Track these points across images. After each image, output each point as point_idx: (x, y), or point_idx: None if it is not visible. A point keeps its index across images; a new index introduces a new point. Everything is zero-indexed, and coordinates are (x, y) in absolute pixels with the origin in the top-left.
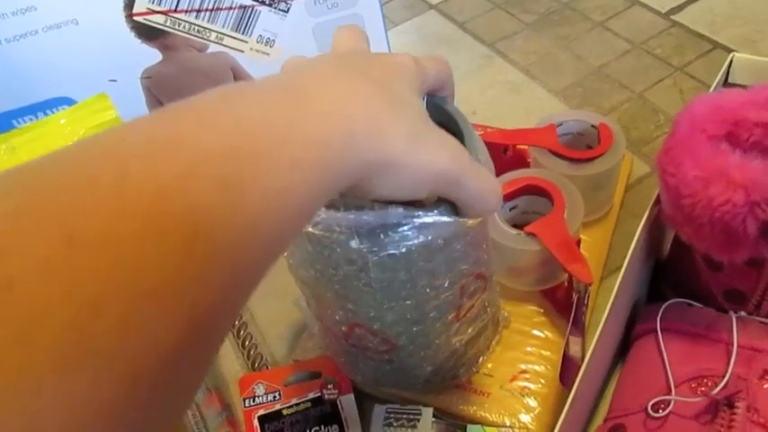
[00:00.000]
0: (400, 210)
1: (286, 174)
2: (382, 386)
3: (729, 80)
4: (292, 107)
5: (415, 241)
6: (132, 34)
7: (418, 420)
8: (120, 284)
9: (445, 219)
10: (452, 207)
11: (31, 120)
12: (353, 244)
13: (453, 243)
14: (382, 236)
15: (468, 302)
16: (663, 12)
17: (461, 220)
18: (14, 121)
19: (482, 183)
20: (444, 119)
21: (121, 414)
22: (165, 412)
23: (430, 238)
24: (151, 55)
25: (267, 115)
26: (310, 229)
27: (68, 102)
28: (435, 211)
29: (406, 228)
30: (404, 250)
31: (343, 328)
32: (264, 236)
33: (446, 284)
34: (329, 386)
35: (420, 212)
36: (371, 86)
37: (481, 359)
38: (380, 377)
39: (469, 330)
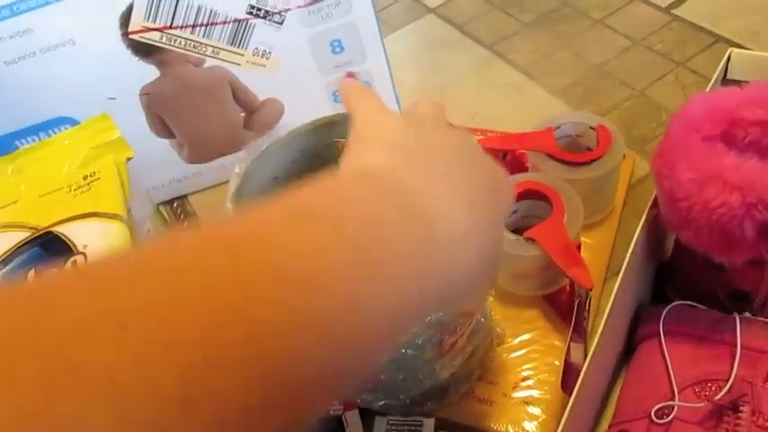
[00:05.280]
0: None
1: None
2: (374, 405)
3: (728, 76)
4: (421, 240)
5: None
6: (129, 52)
7: (420, 431)
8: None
9: None
10: None
11: (34, 140)
12: None
13: None
14: None
15: (451, 339)
16: (663, 6)
17: None
18: (17, 142)
19: None
20: None
21: None
22: None
23: None
24: (149, 71)
25: (396, 253)
26: None
27: (70, 121)
28: None
29: None
30: None
31: None
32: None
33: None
34: (334, 402)
35: None
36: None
37: (473, 377)
38: (370, 401)
39: (456, 362)
